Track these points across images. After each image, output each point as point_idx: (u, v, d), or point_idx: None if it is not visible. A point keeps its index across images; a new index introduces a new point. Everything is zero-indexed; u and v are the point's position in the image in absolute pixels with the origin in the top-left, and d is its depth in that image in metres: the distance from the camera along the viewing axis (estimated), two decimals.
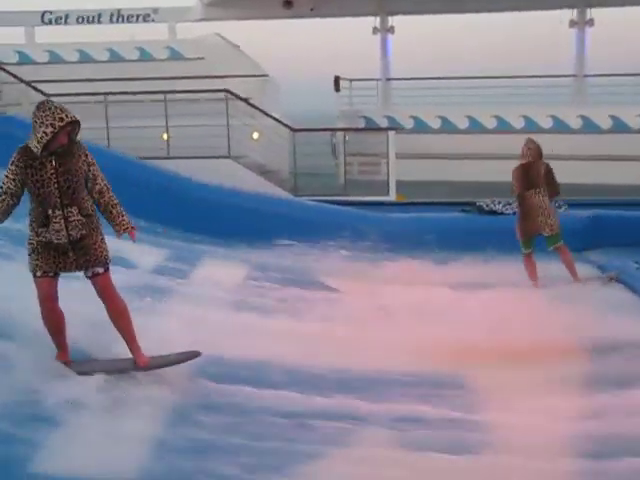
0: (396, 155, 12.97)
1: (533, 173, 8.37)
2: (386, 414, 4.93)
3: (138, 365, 5.11)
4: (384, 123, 15.58)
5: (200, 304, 6.97)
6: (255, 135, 13.84)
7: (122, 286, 5.36)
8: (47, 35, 17.01)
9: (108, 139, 12.43)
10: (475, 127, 15.44)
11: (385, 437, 4.62)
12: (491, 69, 18.21)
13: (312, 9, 16.18)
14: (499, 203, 10.78)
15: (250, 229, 10.42)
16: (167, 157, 12.37)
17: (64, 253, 4.90)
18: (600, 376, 5.62)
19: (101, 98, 12.80)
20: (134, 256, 8.00)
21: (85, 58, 16.50)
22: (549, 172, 8.43)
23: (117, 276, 5.34)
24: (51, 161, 4.81)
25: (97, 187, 4.99)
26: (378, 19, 16.38)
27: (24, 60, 16.38)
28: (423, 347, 6.12)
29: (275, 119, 12.67)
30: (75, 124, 4.85)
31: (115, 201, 5.06)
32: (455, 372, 5.76)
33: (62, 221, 4.82)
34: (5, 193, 4.85)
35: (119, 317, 5.08)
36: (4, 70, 13.08)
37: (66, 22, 16.92)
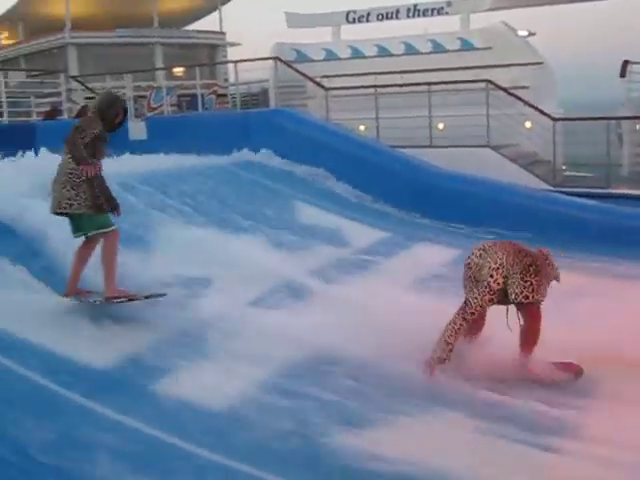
0: None
1: None
2: None
3: None
4: None
5: None
6: (528, 124, 13.62)
7: None
8: (351, 33, 18.57)
9: (378, 129, 13.30)
10: None
11: None
12: None
13: None
14: None
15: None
16: (429, 146, 12.83)
17: None
18: None
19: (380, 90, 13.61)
20: None
21: (383, 52, 17.66)
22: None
23: None
24: None
25: None
26: None
27: (330, 57, 18.11)
28: None
29: (536, 108, 12.32)
30: None
31: None
32: None
33: None
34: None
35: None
36: (287, 65, 14.60)
37: (367, 20, 18.27)
